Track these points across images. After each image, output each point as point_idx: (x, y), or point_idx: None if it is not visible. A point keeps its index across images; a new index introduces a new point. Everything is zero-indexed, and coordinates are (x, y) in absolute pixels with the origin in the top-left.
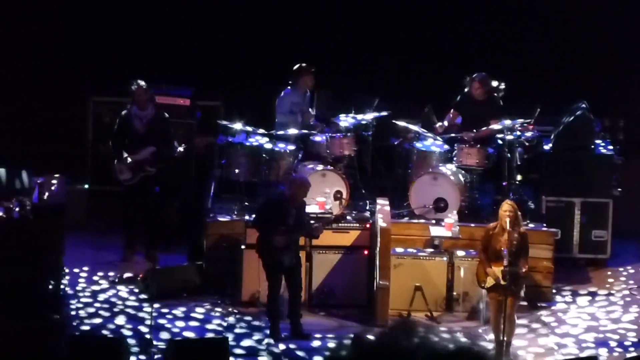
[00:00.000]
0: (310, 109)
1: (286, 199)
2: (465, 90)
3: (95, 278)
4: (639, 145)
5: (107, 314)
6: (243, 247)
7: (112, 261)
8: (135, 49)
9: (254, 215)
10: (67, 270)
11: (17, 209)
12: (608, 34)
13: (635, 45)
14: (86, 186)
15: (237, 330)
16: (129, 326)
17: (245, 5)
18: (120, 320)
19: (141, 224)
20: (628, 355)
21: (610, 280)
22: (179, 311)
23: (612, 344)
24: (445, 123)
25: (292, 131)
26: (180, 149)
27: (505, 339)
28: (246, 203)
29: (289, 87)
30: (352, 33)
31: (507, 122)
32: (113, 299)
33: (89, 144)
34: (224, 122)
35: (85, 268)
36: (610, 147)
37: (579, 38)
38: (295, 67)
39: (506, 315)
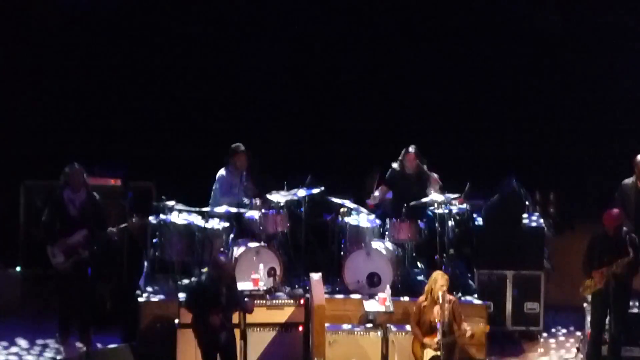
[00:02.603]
0: (245, 187)
1: (214, 278)
2: (395, 165)
3: None
4: (570, 218)
5: None
6: (177, 326)
7: (46, 345)
8: (65, 132)
9: (186, 296)
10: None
11: None
12: (538, 110)
13: (565, 120)
14: (18, 269)
15: None
16: None
17: (173, 85)
18: None
19: (75, 307)
20: None
21: (543, 351)
22: None
23: None
24: (376, 194)
25: (223, 208)
26: (114, 230)
27: None
28: (180, 282)
29: (224, 168)
30: (282, 110)
31: (438, 196)
32: None
33: (21, 227)
34: (156, 203)
35: (19, 352)
36: (541, 221)
37: (508, 112)
38: (230, 147)
39: None
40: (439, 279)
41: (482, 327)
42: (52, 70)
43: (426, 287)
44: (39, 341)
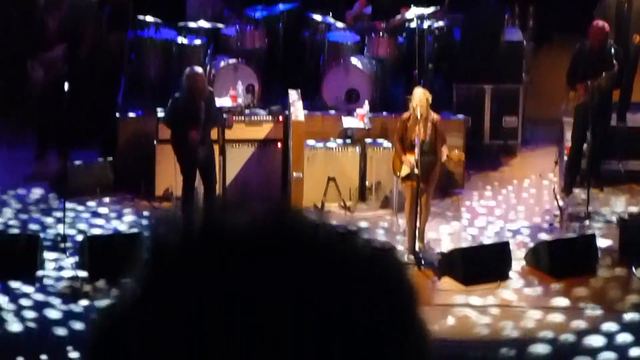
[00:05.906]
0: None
1: (191, 93)
2: None
3: (8, 177)
4: (549, 31)
5: (19, 211)
6: (155, 142)
7: (24, 159)
8: None
9: (164, 112)
10: None
11: None
12: None
13: None
14: None
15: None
16: (43, 222)
17: None
18: (34, 217)
19: (52, 121)
20: (538, 240)
21: (521, 165)
22: (92, 207)
23: (523, 230)
24: (352, 12)
25: (202, 23)
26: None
27: (419, 225)
28: (157, 99)
29: None
30: None
31: (418, 10)
32: (24, 195)
33: None
34: (134, 16)
35: None
36: (520, 34)
37: None
38: None
39: (421, 203)
40: (416, 94)
41: (458, 154)
42: None
43: (410, 104)
44: (17, 156)
